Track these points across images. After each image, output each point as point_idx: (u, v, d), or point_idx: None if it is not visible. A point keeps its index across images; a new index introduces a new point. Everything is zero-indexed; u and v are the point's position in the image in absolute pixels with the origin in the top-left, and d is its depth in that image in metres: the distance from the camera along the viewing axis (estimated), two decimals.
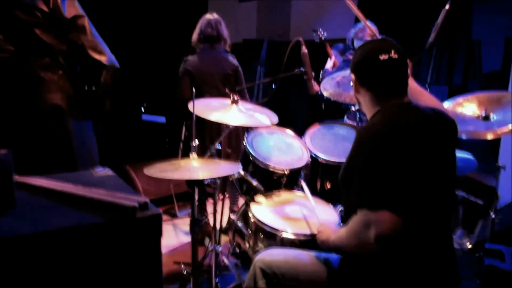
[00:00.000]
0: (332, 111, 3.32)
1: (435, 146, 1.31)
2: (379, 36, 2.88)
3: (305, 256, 1.53)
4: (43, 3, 1.69)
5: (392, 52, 1.34)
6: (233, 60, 3.01)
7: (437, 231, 1.33)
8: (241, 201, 3.12)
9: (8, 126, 1.75)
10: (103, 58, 1.79)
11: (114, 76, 1.84)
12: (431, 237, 1.31)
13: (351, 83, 1.49)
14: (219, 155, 2.19)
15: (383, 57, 1.34)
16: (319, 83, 2.65)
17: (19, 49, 1.69)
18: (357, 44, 3.22)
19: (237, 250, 2.10)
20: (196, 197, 1.71)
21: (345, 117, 2.97)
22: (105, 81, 1.85)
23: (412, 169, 1.24)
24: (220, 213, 2.35)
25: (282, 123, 2.38)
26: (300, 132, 2.48)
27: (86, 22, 1.77)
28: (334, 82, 2.46)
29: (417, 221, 1.26)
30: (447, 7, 2.12)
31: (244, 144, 2.24)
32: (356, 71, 1.43)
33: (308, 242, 1.81)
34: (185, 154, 3.58)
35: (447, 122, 1.40)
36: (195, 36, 2.96)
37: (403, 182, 1.23)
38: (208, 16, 2.95)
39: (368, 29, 3.03)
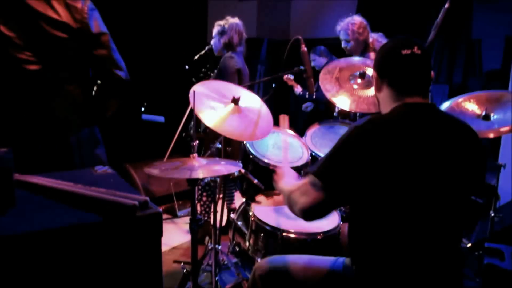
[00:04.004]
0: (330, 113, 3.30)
1: (435, 151, 1.24)
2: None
3: (306, 262, 1.49)
4: (72, 19, 1.77)
5: (415, 48, 1.31)
6: None
7: (437, 237, 1.27)
8: (237, 198, 3.13)
9: (17, 130, 1.82)
10: (122, 74, 1.91)
11: (127, 89, 1.97)
12: (428, 242, 1.26)
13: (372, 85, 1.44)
14: (219, 154, 2.19)
15: (406, 52, 1.31)
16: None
17: (46, 63, 1.76)
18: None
19: (237, 249, 2.10)
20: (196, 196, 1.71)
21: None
22: (121, 94, 1.98)
23: (385, 165, 1.20)
24: (219, 212, 2.35)
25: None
26: (300, 131, 2.48)
27: (108, 39, 1.88)
28: (333, 79, 2.34)
29: (401, 223, 1.23)
30: (447, 5, 2.11)
31: (244, 143, 2.23)
32: (378, 66, 1.40)
33: (309, 242, 1.81)
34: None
35: (469, 134, 1.32)
36: (235, 38, 3.02)
37: (371, 176, 1.20)
38: (237, 20, 3.07)
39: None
